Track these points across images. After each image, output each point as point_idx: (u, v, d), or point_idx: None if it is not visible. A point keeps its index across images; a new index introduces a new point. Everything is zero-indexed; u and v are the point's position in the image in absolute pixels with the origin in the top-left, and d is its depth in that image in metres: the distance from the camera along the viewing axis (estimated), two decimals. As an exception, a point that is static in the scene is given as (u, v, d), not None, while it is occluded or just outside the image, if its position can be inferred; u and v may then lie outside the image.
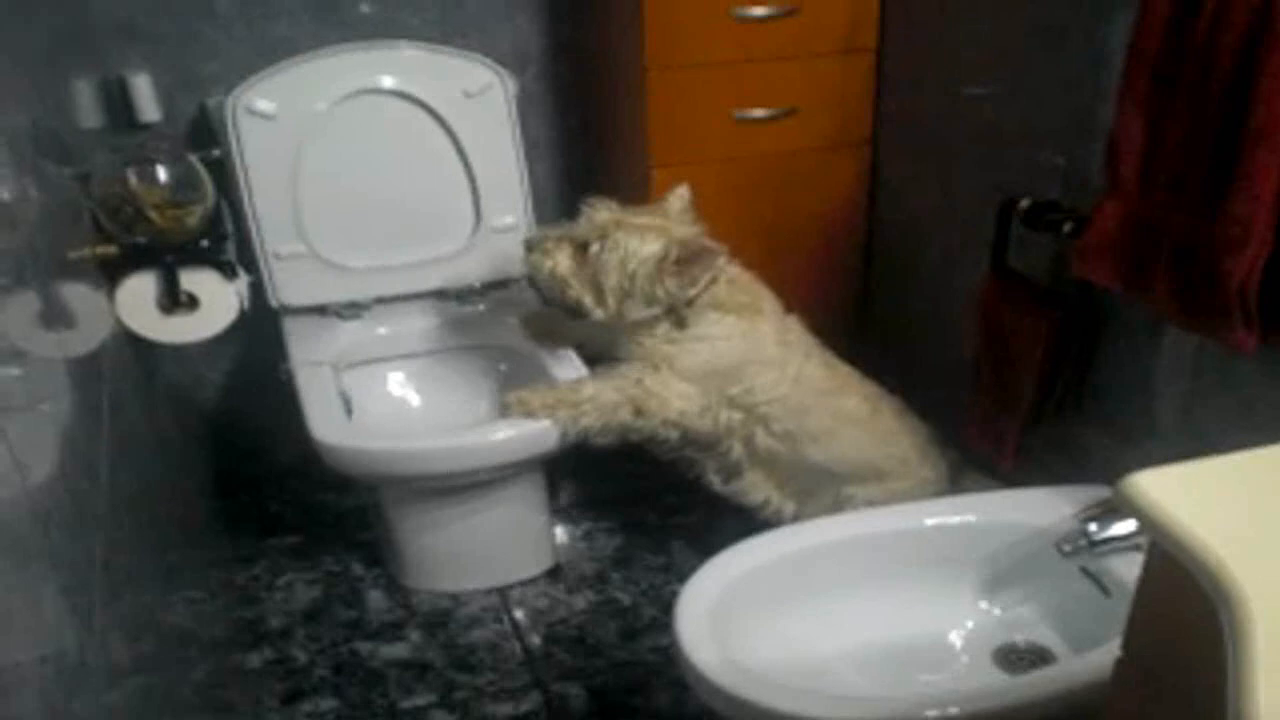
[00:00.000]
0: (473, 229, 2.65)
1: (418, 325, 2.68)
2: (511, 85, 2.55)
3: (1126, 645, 1.10)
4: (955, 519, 1.95)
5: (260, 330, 2.61)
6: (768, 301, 2.28)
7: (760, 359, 2.23)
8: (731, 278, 2.24)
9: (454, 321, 2.67)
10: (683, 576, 1.96)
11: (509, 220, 2.65)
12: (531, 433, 2.24)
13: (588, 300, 2.22)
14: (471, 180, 2.60)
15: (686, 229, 2.23)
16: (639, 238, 2.16)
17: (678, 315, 2.20)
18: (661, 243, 2.15)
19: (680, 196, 2.28)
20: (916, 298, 2.60)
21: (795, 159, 2.58)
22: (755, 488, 2.36)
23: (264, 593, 2.64)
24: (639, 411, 2.20)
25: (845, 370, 2.34)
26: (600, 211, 2.23)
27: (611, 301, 2.19)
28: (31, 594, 1.01)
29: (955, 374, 2.40)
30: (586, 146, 2.89)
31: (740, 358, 2.22)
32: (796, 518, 2.32)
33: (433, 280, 2.67)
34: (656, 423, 2.22)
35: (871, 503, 2.24)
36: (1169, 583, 0.97)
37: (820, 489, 2.32)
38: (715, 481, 2.38)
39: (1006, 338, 2.12)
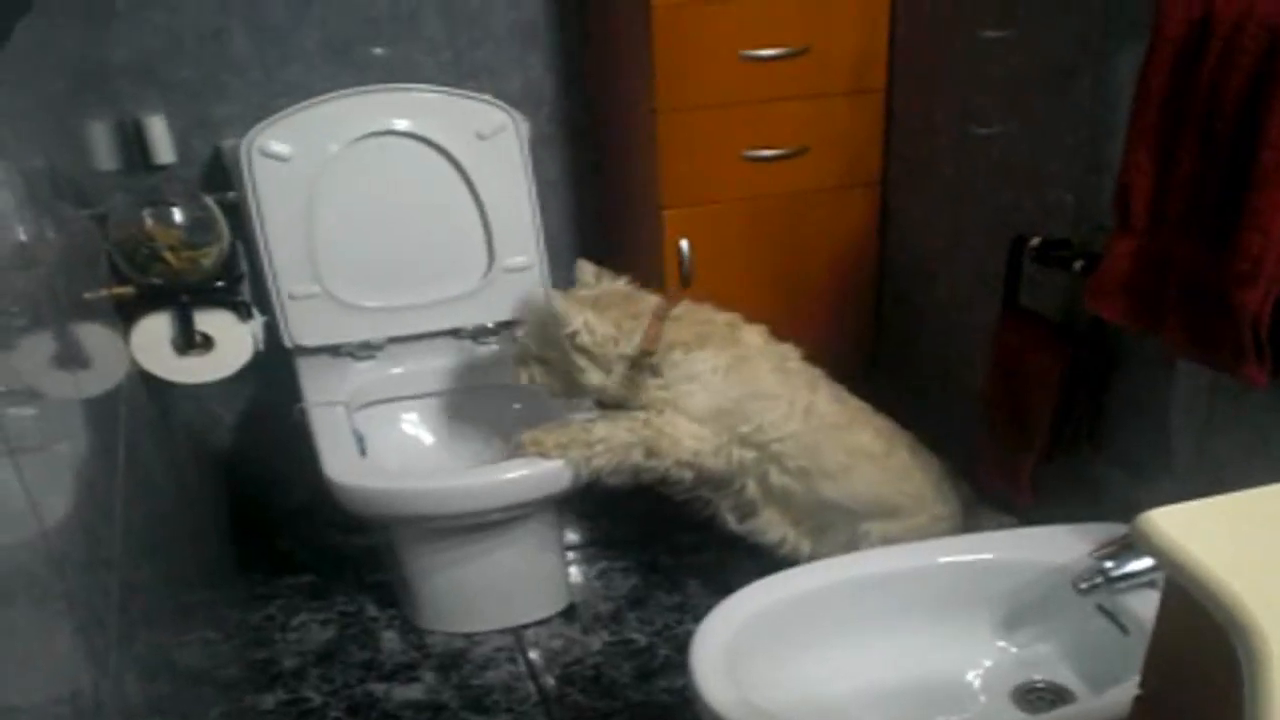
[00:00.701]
0: (486, 269, 2.66)
1: (431, 365, 2.68)
2: (524, 127, 2.56)
3: (1145, 683, 1.09)
4: (971, 557, 1.94)
5: (273, 370, 2.62)
6: (744, 330, 2.30)
7: (763, 393, 2.24)
8: (678, 314, 2.27)
9: (467, 361, 2.68)
10: (698, 616, 1.95)
11: (521, 260, 2.66)
12: (544, 472, 2.25)
13: (571, 389, 2.33)
14: (484, 221, 2.62)
15: (605, 287, 2.34)
16: (566, 319, 2.23)
17: (648, 366, 2.24)
18: (578, 317, 2.22)
19: (584, 268, 2.39)
20: (927, 336, 2.60)
21: (805, 199, 2.59)
22: (771, 526, 2.35)
23: (278, 633, 2.63)
24: (651, 452, 2.21)
25: (856, 404, 2.34)
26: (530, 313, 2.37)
27: (589, 379, 2.27)
28: (48, 634, 1.01)
29: (967, 411, 2.40)
30: (598, 187, 2.91)
31: (740, 393, 2.23)
32: (813, 555, 2.31)
33: (446, 320, 2.69)
34: (669, 463, 2.22)
35: (887, 539, 2.22)
36: (1186, 620, 0.97)
37: (835, 526, 2.31)
38: (730, 520, 2.36)
39: (1020, 374, 2.12)
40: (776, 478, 2.27)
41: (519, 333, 2.40)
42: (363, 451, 2.41)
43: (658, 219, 2.53)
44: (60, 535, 1.14)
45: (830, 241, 2.66)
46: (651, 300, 2.31)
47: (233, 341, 2.30)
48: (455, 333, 2.70)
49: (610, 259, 2.68)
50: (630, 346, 2.25)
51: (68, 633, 1.08)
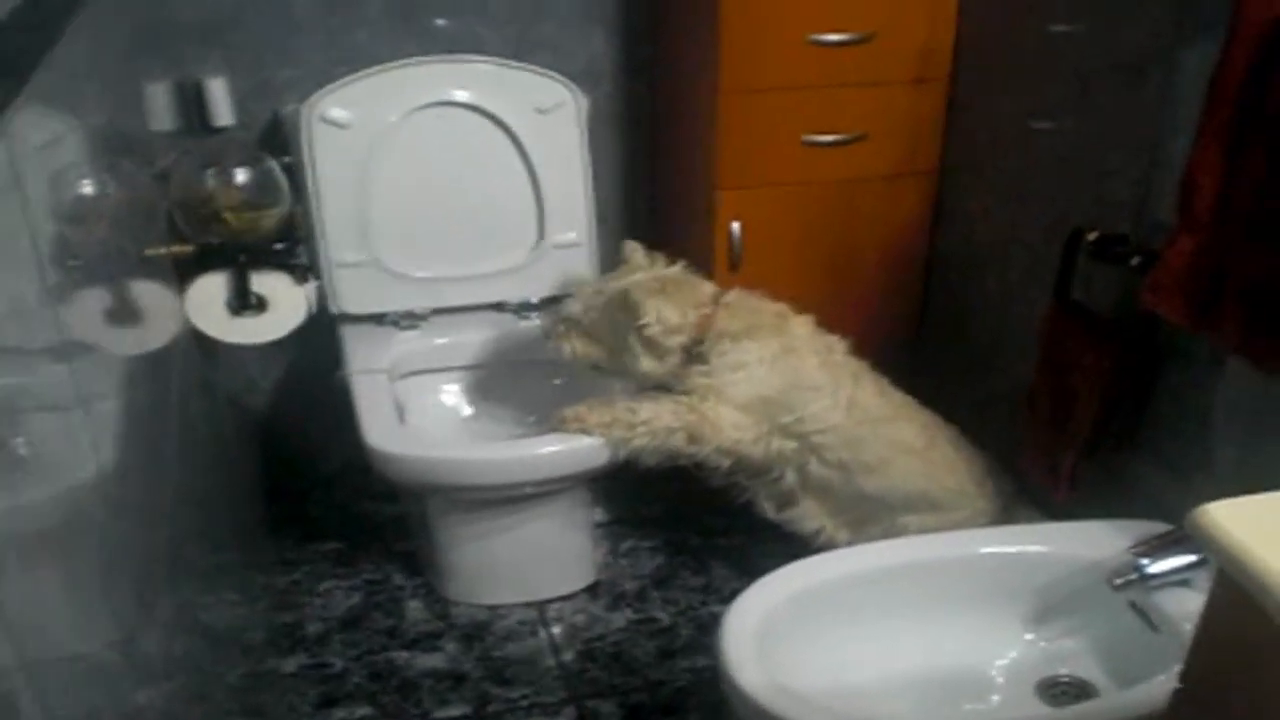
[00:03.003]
0: (535, 244, 2.67)
1: (474, 337, 2.69)
2: (583, 103, 2.57)
3: (1185, 676, 1.09)
4: (1005, 549, 1.94)
5: (314, 338, 2.64)
6: (792, 320, 2.30)
7: (807, 384, 2.24)
8: (729, 302, 2.29)
9: (510, 335, 2.68)
10: (723, 598, 1.97)
11: (571, 236, 2.66)
12: (582, 449, 2.26)
13: (617, 369, 2.34)
14: (538, 196, 2.62)
15: (665, 273, 2.34)
16: (642, 310, 2.24)
17: (696, 354, 2.26)
18: (653, 310, 2.24)
19: (634, 249, 2.40)
20: (975, 327, 2.59)
21: (861, 186, 2.57)
22: (809, 516, 2.35)
23: (303, 598, 2.64)
24: (693, 438, 2.21)
25: (900, 398, 2.33)
26: (585, 287, 2.37)
27: (642, 365, 2.29)
28: (106, 581, 1.03)
29: (1011, 404, 2.38)
30: (652, 166, 2.90)
31: (784, 383, 2.23)
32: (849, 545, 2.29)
33: (492, 293, 2.69)
34: (710, 450, 2.22)
35: (925, 532, 2.22)
36: (1237, 614, 0.96)
37: (874, 519, 2.31)
38: (768, 509, 2.37)
39: (1067, 369, 2.11)
40: (816, 469, 2.27)
41: (566, 306, 2.39)
42: (402, 420, 2.42)
43: (712, 200, 2.52)
44: (119, 483, 1.15)
45: (882, 230, 2.64)
46: (708, 288, 2.32)
47: (287, 304, 2.34)
48: (499, 306, 2.71)
49: (659, 239, 2.70)
50: (684, 335, 2.27)
51: (123, 580, 1.09)
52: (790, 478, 2.30)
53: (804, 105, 2.45)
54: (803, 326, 2.30)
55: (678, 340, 2.26)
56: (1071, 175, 2.19)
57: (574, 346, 2.36)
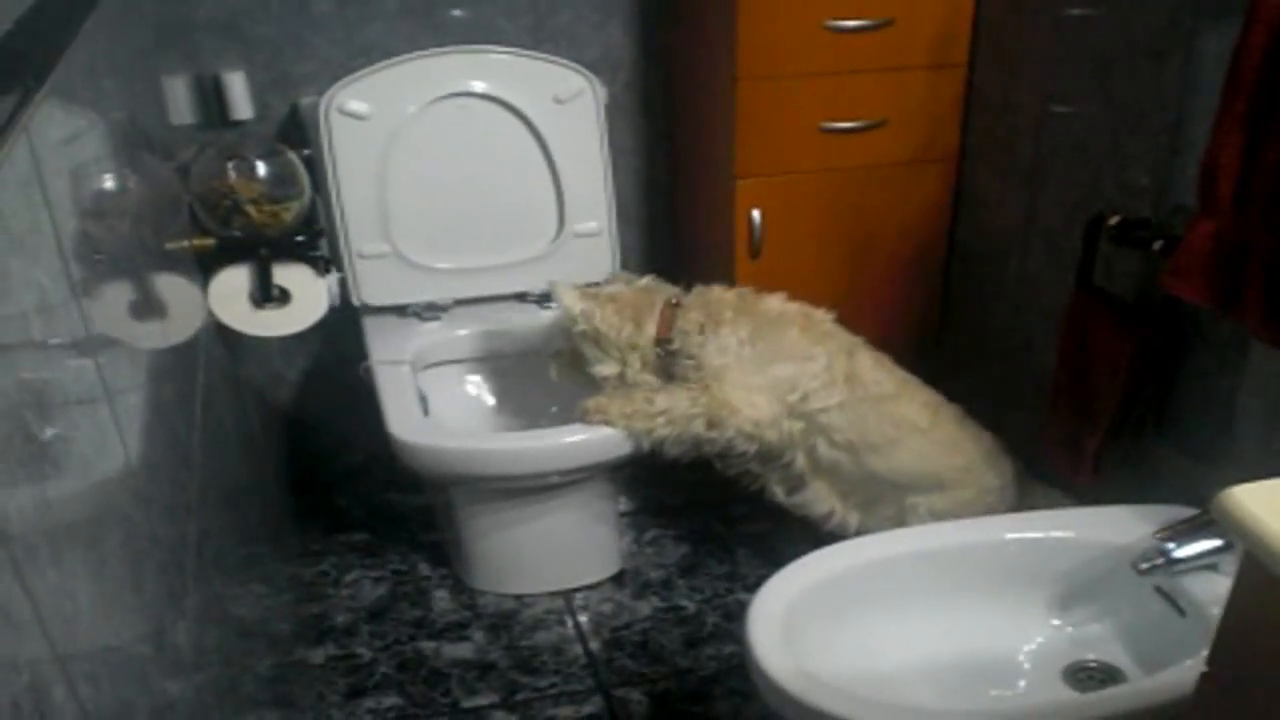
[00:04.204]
0: (555, 234, 2.67)
1: (496, 328, 2.69)
2: (602, 92, 2.57)
3: (1213, 660, 1.09)
4: (1030, 535, 1.93)
5: (338, 330, 2.65)
6: (761, 299, 2.31)
7: (793, 354, 2.24)
8: (686, 302, 2.33)
9: (531, 326, 2.67)
10: (748, 585, 1.95)
11: (592, 226, 2.66)
12: (606, 438, 2.26)
13: (589, 381, 2.39)
14: (557, 185, 2.62)
15: (622, 285, 2.41)
16: (566, 309, 2.33)
17: (672, 353, 2.29)
18: (576, 306, 2.32)
19: (611, 276, 2.51)
20: (995, 314, 2.59)
21: (880, 172, 2.56)
22: (819, 499, 2.35)
23: (330, 589, 2.65)
24: (712, 422, 2.21)
25: (901, 374, 2.33)
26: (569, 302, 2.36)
27: (601, 370, 2.34)
28: (135, 573, 1.03)
29: (1032, 390, 2.39)
30: (670, 155, 2.90)
31: (770, 356, 2.24)
32: (861, 528, 2.31)
33: (513, 284, 2.69)
34: (730, 434, 2.22)
35: (935, 512, 2.25)
36: (1263, 596, 0.97)
37: (884, 499, 2.32)
38: (779, 493, 2.37)
39: (1089, 354, 2.10)
40: (825, 450, 2.28)
41: (552, 340, 2.46)
42: (426, 411, 2.42)
43: (731, 188, 2.51)
44: (147, 476, 1.16)
45: (902, 216, 2.64)
46: (667, 291, 2.35)
47: (309, 296, 2.33)
48: (521, 297, 2.71)
49: (679, 229, 2.76)
50: (643, 336, 2.29)
51: (151, 572, 1.10)
52: (800, 461, 2.31)
53: (822, 92, 2.44)
54: (773, 301, 2.31)
55: (626, 339, 2.30)
56: (1092, 160, 2.18)
57: (556, 370, 2.44)
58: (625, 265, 2.73)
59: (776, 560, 1.87)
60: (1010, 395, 2.51)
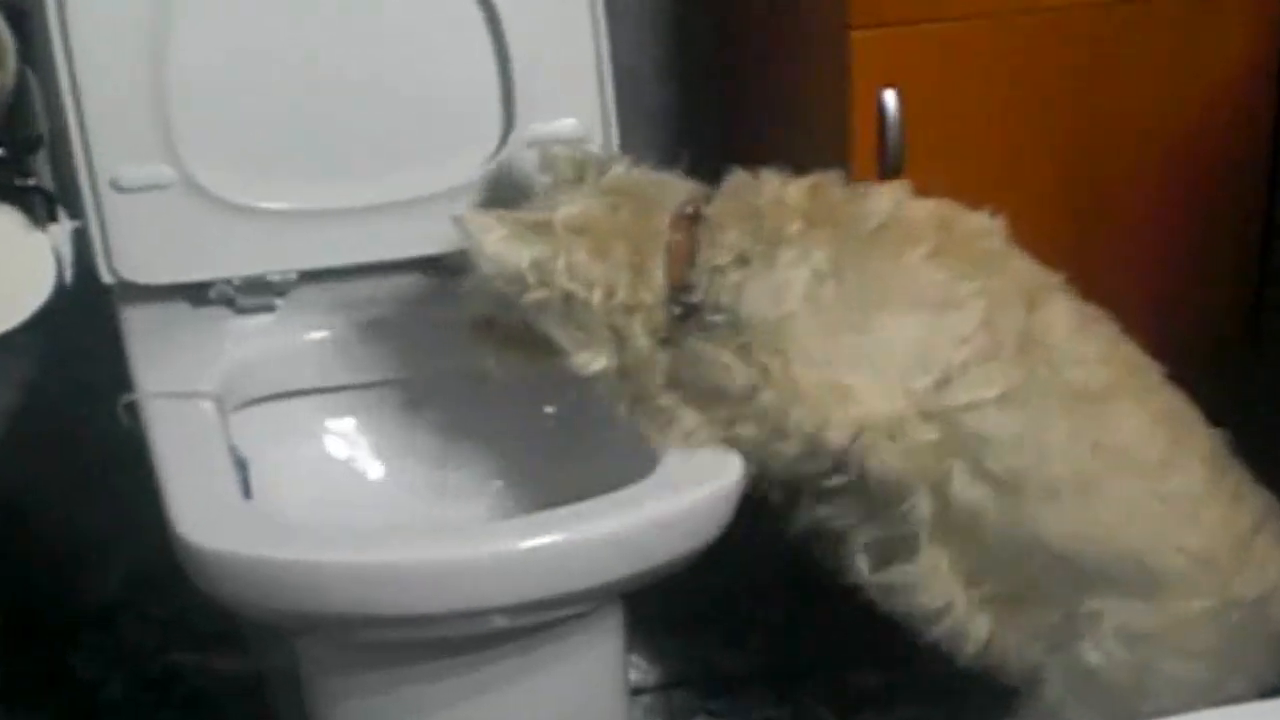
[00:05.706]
0: (498, 141, 1.83)
1: (382, 326, 1.91)
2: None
3: None
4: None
5: (74, 326, 1.82)
6: (864, 195, 1.63)
7: (917, 299, 1.58)
8: (717, 204, 1.67)
9: (453, 320, 1.79)
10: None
11: (569, 125, 1.83)
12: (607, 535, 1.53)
13: (562, 382, 1.83)
14: (499, 47, 1.79)
15: (591, 187, 1.70)
16: (499, 260, 1.65)
17: (692, 307, 1.62)
18: (523, 250, 1.64)
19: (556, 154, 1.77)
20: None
21: (1120, 13, 1.71)
22: (930, 580, 1.64)
23: None
24: (775, 425, 1.55)
25: (1127, 352, 1.60)
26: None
27: (588, 363, 1.69)
28: None
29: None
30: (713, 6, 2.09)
31: (881, 297, 1.59)
32: (990, 644, 1.62)
33: (415, 240, 1.84)
34: (802, 443, 1.54)
35: (1128, 632, 1.57)
36: None
37: (1040, 597, 1.63)
38: (863, 566, 1.70)
39: None
40: (965, 486, 1.57)
41: (466, 295, 1.74)
42: (246, 488, 1.66)
43: (839, 51, 1.72)
44: None
45: (1173, 103, 1.78)
46: (677, 193, 1.65)
47: (19, 263, 1.72)
48: (433, 263, 1.86)
49: (734, 130, 2.07)
50: (650, 288, 1.61)
51: None
52: (922, 506, 1.61)
53: None
54: (882, 200, 1.61)
55: (622, 297, 1.62)
56: None
57: (492, 361, 1.77)
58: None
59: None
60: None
